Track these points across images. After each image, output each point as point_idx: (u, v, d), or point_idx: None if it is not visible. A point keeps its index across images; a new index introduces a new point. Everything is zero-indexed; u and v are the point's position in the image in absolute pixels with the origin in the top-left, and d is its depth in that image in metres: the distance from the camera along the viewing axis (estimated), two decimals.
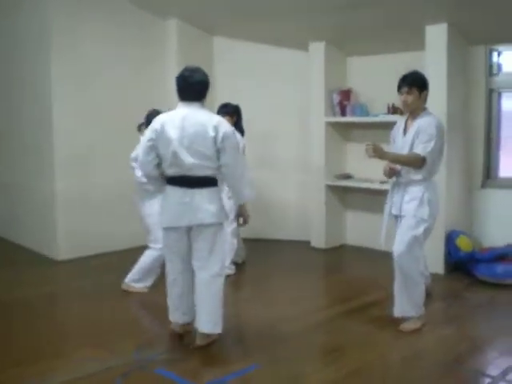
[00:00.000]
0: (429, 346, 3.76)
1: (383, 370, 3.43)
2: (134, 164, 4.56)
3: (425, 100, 4.00)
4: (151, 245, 4.73)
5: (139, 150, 3.79)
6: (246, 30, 6.55)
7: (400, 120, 4.22)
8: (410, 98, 3.92)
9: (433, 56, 5.24)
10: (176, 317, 3.85)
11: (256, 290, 5.11)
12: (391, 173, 4.07)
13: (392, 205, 4.11)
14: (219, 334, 3.72)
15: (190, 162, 3.50)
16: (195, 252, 3.65)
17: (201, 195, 3.54)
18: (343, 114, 6.34)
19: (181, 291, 3.78)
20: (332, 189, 6.49)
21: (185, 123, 3.50)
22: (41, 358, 3.56)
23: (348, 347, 3.73)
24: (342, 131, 6.51)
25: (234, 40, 6.80)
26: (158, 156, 3.59)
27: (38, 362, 3.48)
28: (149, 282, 4.81)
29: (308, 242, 6.63)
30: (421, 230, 3.93)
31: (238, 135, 5.42)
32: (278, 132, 6.78)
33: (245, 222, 3.83)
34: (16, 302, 4.67)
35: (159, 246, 4.41)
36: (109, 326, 4.19)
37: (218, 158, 3.52)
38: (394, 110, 5.81)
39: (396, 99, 5.57)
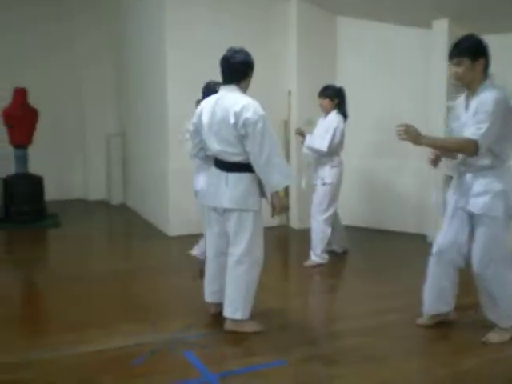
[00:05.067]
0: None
1: None
2: (187, 135, 4.42)
3: (482, 70, 3.29)
4: None
5: None
6: (368, 9, 6.23)
7: (460, 96, 3.52)
8: (460, 70, 3.27)
9: None
10: (206, 294, 3.90)
11: (340, 282, 4.92)
12: (436, 161, 3.58)
13: (458, 200, 3.53)
14: (258, 329, 3.67)
15: (216, 149, 3.56)
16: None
17: (226, 179, 3.56)
18: None
19: (212, 271, 3.83)
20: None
21: (216, 108, 3.54)
22: (83, 327, 3.74)
23: (393, 356, 3.40)
24: None
25: (357, 19, 6.52)
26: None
27: (77, 332, 3.66)
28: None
29: (424, 237, 6.16)
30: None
31: (337, 118, 5.22)
32: (398, 115, 6.34)
33: (278, 212, 3.63)
34: (101, 275, 4.95)
35: None
36: (168, 303, 4.34)
37: (243, 145, 3.46)
38: None
39: None
